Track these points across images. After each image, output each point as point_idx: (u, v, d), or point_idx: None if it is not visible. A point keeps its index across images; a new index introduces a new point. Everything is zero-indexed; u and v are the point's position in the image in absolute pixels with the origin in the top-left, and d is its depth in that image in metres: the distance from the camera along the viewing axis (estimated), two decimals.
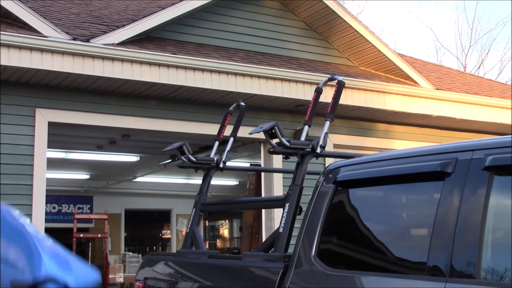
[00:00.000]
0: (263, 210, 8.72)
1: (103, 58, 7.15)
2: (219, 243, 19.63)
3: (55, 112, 7.36)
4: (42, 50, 6.83)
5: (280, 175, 8.55)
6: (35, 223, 6.98)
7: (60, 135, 8.92)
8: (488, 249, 2.55)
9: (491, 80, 14.63)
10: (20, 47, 6.72)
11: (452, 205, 2.66)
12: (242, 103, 4.81)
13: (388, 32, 41.13)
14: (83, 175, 14.68)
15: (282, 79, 8.26)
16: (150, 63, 7.38)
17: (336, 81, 3.89)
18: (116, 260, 14.83)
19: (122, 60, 7.26)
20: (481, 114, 9.87)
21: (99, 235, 12.67)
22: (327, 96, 4.60)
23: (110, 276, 12.28)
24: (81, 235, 12.49)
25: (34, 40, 6.80)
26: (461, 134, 10.00)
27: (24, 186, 7.03)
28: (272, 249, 3.68)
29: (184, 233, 13.41)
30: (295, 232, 3.53)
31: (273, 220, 8.33)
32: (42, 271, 2.36)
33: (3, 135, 7.02)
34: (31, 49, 6.78)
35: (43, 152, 7.15)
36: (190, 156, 4.53)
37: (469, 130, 10.11)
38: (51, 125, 7.32)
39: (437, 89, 9.92)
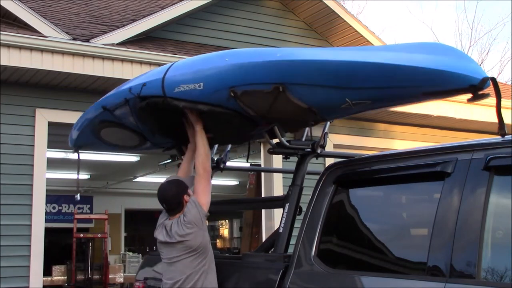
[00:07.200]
0: (263, 210, 8.72)
1: (103, 58, 7.15)
2: (219, 243, 19.62)
3: (55, 112, 7.36)
4: (42, 50, 6.83)
5: (280, 175, 8.54)
6: (35, 223, 6.99)
7: (60, 135, 8.88)
8: (488, 249, 2.54)
9: None
10: (20, 47, 6.72)
11: (452, 205, 2.66)
12: None
13: (388, 32, 41.10)
14: (83, 175, 14.66)
15: None
16: (150, 63, 7.37)
17: None
18: (116, 260, 14.81)
19: (122, 60, 7.26)
20: (481, 114, 9.86)
21: (99, 235, 12.65)
22: None
23: (110, 276, 12.27)
24: (81, 235, 12.47)
25: (34, 40, 6.80)
26: (461, 134, 9.99)
27: (24, 186, 7.03)
28: (272, 249, 3.68)
29: None
30: (295, 232, 3.53)
31: (273, 220, 8.33)
32: None
33: (3, 135, 7.02)
34: (31, 49, 6.78)
35: (43, 152, 7.15)
36: None
37: (469, 130, 10.10)
38: (51, 125, 7.31)
39: None
